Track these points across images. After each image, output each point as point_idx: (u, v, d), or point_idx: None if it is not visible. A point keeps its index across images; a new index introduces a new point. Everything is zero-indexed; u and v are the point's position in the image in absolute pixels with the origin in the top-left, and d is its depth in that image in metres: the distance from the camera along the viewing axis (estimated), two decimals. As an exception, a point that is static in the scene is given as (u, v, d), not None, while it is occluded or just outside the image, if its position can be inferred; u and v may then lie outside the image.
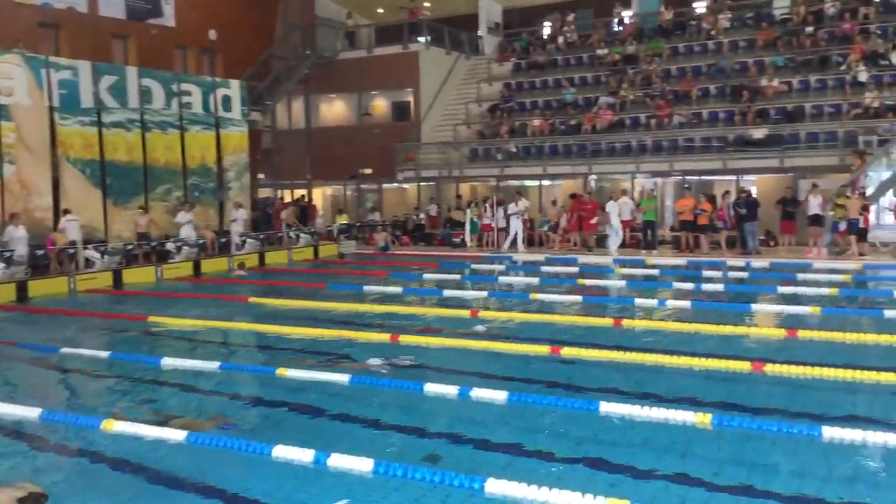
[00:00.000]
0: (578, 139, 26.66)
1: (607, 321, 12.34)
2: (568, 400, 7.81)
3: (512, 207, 23.00)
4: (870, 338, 10.59)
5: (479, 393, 8.07)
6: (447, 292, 15.90)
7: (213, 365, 9.76)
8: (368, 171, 31.08)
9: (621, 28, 32.13)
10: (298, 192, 31.09)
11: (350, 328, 12.19)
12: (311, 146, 30.88)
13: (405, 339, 11.09)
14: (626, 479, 5.91)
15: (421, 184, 29.88)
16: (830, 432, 6.65)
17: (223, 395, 8.73)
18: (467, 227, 24.83)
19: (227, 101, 24.91)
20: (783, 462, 6.25)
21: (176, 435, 6.89)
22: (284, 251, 23.51)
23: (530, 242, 24.37)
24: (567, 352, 9.93)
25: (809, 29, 26.67)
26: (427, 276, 18.68)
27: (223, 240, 22.93)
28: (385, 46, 31.95)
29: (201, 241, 21.85)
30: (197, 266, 20.42)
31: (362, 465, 6.01)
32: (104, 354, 10.69)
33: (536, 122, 28.09)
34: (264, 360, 10.50)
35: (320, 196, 33.32)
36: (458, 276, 18.50)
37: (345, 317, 13.39)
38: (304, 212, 27.67)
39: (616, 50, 30.07)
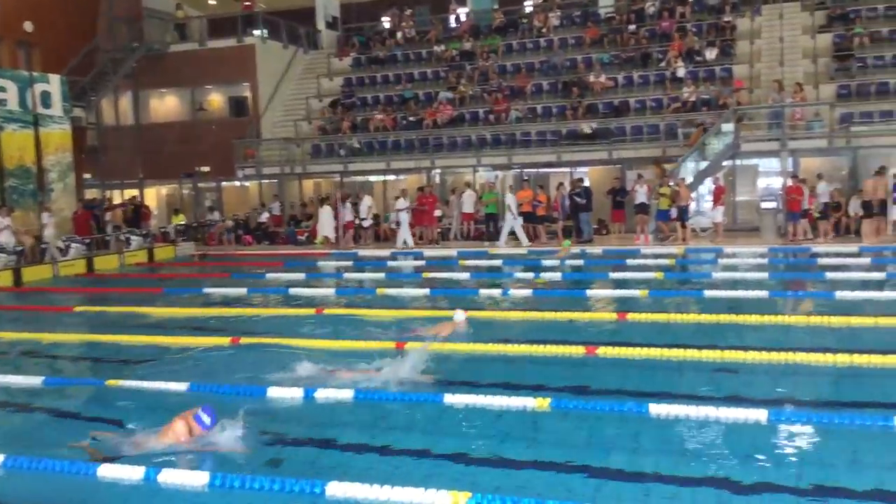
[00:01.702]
0: (420, 134, 26.91)
1: (452, 313, 12.49)
2: (412, 394, 7.85)
3: (401, 203, 22.83)
4: (692, 318, 11.34)
5: (325, 393, 7.95)
6: (293, 291, 15.61)
7: (37, 380, 9.07)
8: (206, 168, 29.96)
9: (458, 25, 32.71)
10: (130, 193, 29.47)
11: (189, 333, 11.69)
12: (142, 143, 29.36)
13: (245, 340, 10.77)
14: (469, 470, 6.01)
15: (263, 181, 29.13)
16: (657, 409, 7.06)
17: (46, 411, 8.13)
18: (327, 223, 24.08)
19: (46, 97, 23.23)
20: (617, 439, 6.57)
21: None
22: (115, 255, 22.20)
23: (376, 238, 24.39)
24: (411, 346, 9.97)
25: (632, 27, 28.22)
26: (271, 275, 18.25)
27: (43, 245, 21.36)
28: (219, 39, 30.86)
29: (20, 249, 20.24)
30: (17, 274, 18.89)
31: (196, 479, 5.74)
32: None
33: (378, 117, 28.08)
34: (92, 372, 9.87)
35: (154, 196, 31.77)
36: (303, 275, 18.18)
37: (184, 321, 12.83)
38: (137, 213, 26.28)
39: (453, 46, 30.58)
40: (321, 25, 34.57)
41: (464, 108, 27.70)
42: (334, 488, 5.43)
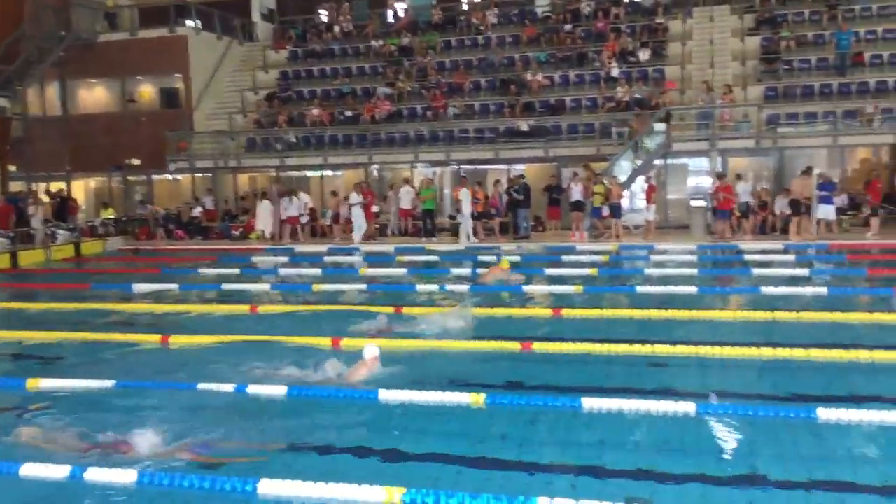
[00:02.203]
0: (358, 129, 26.74)
1: (389, 309, 12.46)
2: (346, 391, 7.81)
3: (354, 198, 22.57)
4: (625, 313, 11.56)
5: (257, 389, 7.84)
6: (227, 286, 15.35)
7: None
8: (136, 161, 29.18)
9: (396, 20, 32.60)
10: (56, 185, 28.50)
11: (118, 330, 11.38)
12: (70, 135, 28.37)
13: (176, 340, 10.54)
14: (405, 466, 6.00)
15: (196, 175, 28.53)
16: (590, 403, 7.17)
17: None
18: (265, 217, 23.62)
19: (-34, 85, 22.27)
20: (547, 434, 6.65)
21: None
22: (41, 250, 21.47)
23: (313, 234, 24.14)
24: (347, 343, 9.92)
25: (568, 27, 28.56)
26: (204, 271, 17.91)
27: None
28: (150, 29, 30.06)
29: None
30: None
31: (124, 476, 5.60)
32: None
33: (315, 111, 27.79)
34: (11, 371, 9.53)
35: (82, 189, 30.82)
36: (237, 271, 17.88)
37: (112, 318, 12.49)
38: (64, 206, 25.45)
39: (392, 41, 30.46)
40: (257, 17, 34.02)
41: (402, 104, 27.62)
42: (266, 486, 5.36)
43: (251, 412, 7.46)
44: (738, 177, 21.04)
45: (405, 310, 12.21)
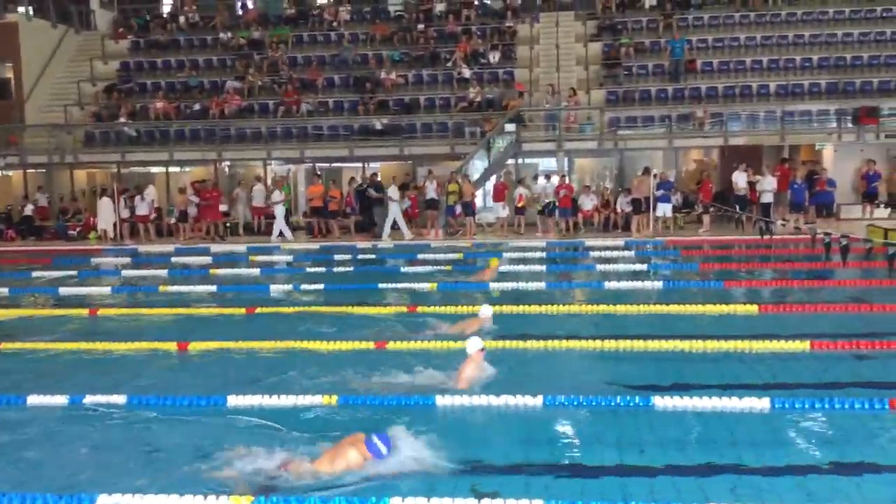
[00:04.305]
0: (206, 124, 25.80)
1: (240, 311, 12.12)
2: (193, 398, 7.52)
3: (276, 196, 21.57)
4: (478, 309, 11.76)
5: (94, 399, 7.41)
6: (64, 291, 14.42)
7: None
8: (-41, 156, 26.83)
9: (245, 12, 31.73)
10: None
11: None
12: None
13: (6, 345, 9.79)
14: (258, 472, 5.85)
15: (28, 171, 26.57)
16: (442, 401, 7.26)
17: None
18: (106, 216, 22.23)
19: None
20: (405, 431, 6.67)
21: None
22: None
23: (159, 233, 23.09)
24: (195, 346, 9.56)
25: (421, 26, 28.80)
26: (38, 274, 16.74)
27: None
28: (-25, 14, 27.77)
29: None
30: None
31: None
32: None
33: (159, 104, 26.57)
34: None
35: None
36: (75, 273, 16.81)
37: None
38: None
39: (241, 34, 29.61)
40: (95, 5, 32.09)
41: (253, 99, 26.90)
42: (105, 501, 5.07)
43: (89, 423, 7.05)
44: (547, 177, 21.90)
45: (259, 309, 11.92)
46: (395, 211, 21.31)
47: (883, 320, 10.59)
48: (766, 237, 17.74)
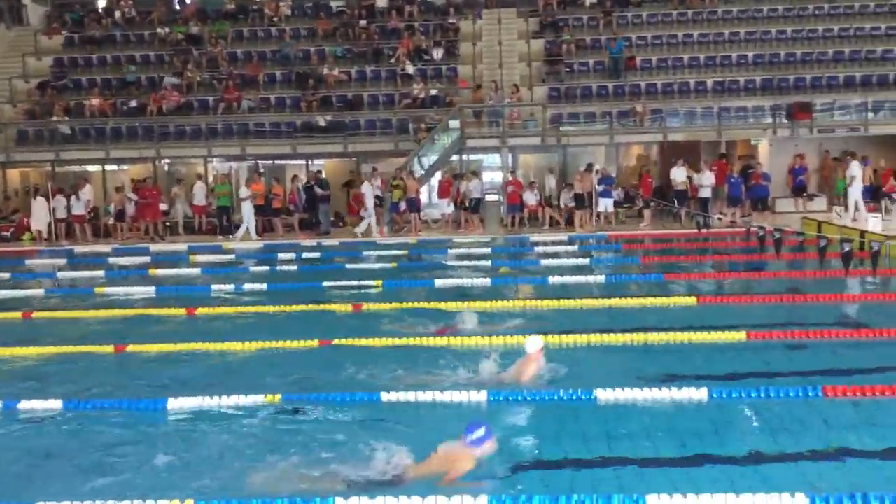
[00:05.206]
0: (144, 121, 25.23)
1: (181, 311, 11.90)
2: (131, 401, 7.36)
3: (244, 192, 21.08)
4: (424, 305, 11.78)
5: (29, 404, 7.20)
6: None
7: None
8: None
9: (183, 7, 31.10)
10: None
11: None
12: None
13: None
14: (196, 475, 5.76)
15: (-44, 170, 25.64)
16: (387, 397, 7.26)
17: None
18: (40, 216, 21.53)
19: None
20: (344, 429, 6.64)
21: None
22: None
23: (96, 233, 22.52)
24: (133, 348, 9.36)
25: (363, 22, 28.63)
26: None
27: None
28: None
29: None
30: None
31: None
32: None
33: (95, 101, 25.87)
34: None
35: None
36: (8, 275, 16.28)
37: None
38: None
39: (179, 29, 29.00)
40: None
41: (192, 96, 26.39)
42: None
43: (23, 430, 6.85)
44: (474, 173, 22.06)
45: (199, 310, 11.71)
46: (247, 211, 21.04)
47: (815, 310, 10.93)
48: (704, 231, 18.15)
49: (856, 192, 18.50)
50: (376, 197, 21.54)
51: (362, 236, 20.63)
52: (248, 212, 21.13)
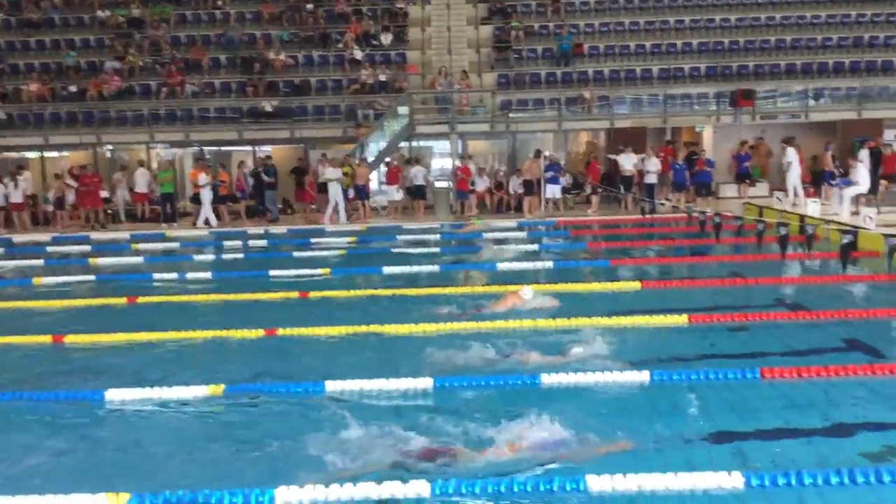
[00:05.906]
0: (84, 106, 24.56)
1: (121, 300, 11.64)
2: (69, 392, 7.18)
3: (203, 178, 20.57)
4: (374, 292, 11.73)
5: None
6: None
7: None
8: None
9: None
10: None
11: None
12: None
13: None
14: (133, 469, 5.65)
15: None
16: (332, 386, 7.21)
17: None
18: None
19: None
20: (296, 421, 6.57)
21: None
22: None
23: (34, 221, 21.90)
24: (72, 339, 9.13)
25: (310, 6, 28.24)
26: None
27: None
28: None
29: None
30: None
31: None
32: None
33: (33, 86, 25.10)
34: None
35: None
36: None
37: None
38: None
39: (119, 12, 28.25)
40: (-42, -20, 29.93)
41: (133, 80, 25.78)
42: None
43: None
44: (411, 161, 22.04)
45: (140, 299, 11.47)
46: (335, 192, 20.76)
47: (754, 293, 11.17)
48: (649, 216, 18.40)
49: (793, 178, 18.95)
50: (324, 183, 21.34)
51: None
52: (207, 200, 20.76)
